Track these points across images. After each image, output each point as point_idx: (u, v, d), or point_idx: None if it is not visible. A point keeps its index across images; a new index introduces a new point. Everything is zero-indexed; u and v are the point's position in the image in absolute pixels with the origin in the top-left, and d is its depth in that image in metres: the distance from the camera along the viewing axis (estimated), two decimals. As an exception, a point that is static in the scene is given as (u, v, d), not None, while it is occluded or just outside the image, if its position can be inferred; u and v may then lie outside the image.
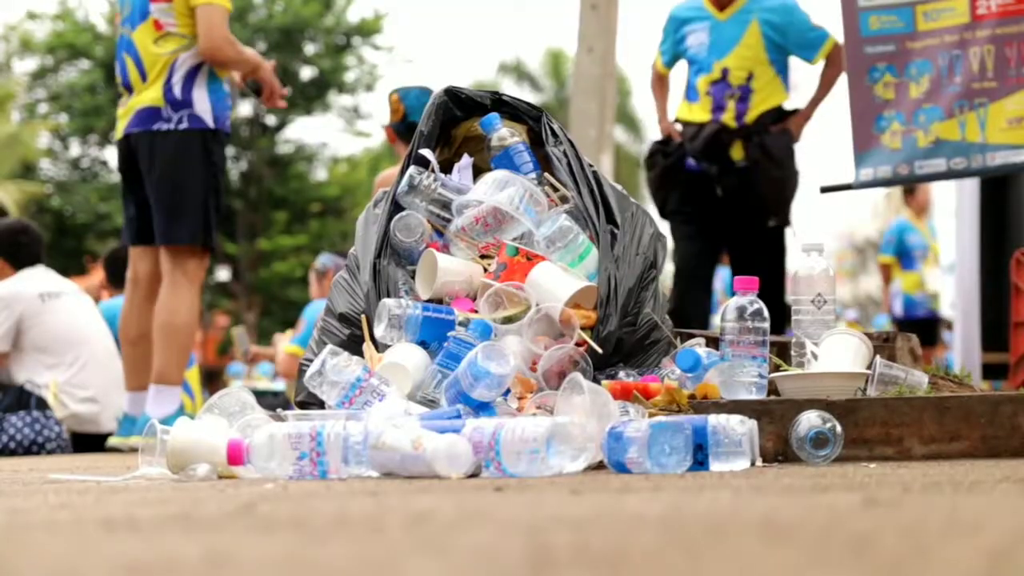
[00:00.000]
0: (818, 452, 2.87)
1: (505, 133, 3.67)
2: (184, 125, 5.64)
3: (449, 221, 3.58)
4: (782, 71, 6.25)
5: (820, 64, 6.24)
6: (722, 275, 11.59)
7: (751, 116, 6.15)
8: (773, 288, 6.01)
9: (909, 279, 10.31)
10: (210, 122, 5.67)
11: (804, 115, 6.28)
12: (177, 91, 5.64)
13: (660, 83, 6.57)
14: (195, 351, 7.67)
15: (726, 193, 6.15)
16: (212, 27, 5.55)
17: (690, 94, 6.29)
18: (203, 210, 5.69)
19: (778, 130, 6.14)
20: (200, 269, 5.80)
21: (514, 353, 3.06)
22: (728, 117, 6.19)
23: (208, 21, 5.55)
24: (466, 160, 3.73)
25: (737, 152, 6.15)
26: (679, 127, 6.29)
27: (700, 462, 2.64)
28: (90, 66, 27.66)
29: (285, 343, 9.83)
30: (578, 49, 7.65)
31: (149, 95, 5.67)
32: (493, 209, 3.47)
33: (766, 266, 5.95)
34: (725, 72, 6.24)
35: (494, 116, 3.70)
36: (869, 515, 1.64)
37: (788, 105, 6.22)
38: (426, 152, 3.67)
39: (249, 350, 9.98)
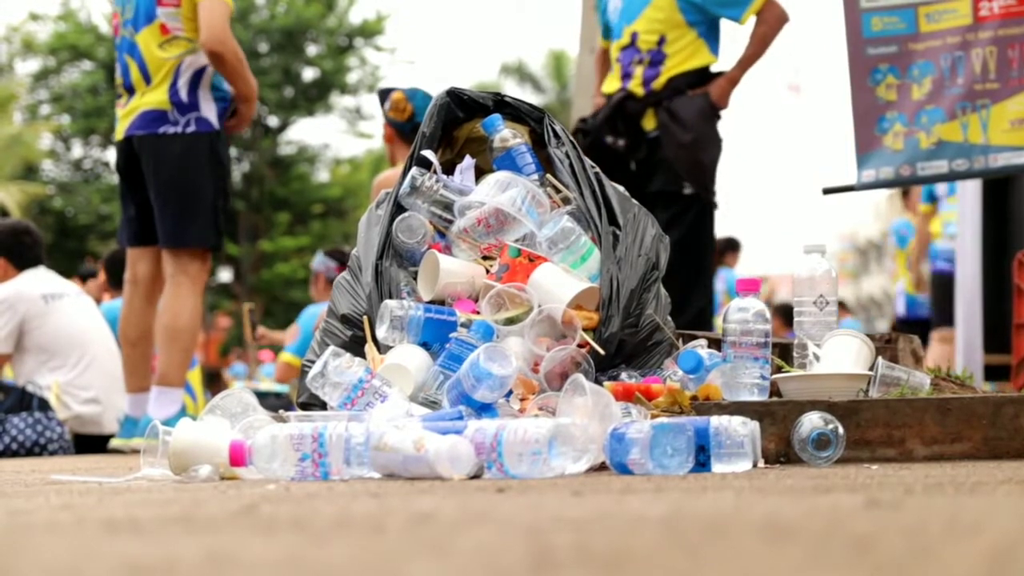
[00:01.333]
0: (820, 453, 2.87)
1: (507, 134, 3.67)
2: (192, 128, 5.64)
3: (451, 222, 3.58)
4: (707, 33, 5.78)
5: (751, 23, 5.76)
6: (723, 276, 11.59)
7: (660, 82, 5.72)
8: (692, 270, 5.68)
9: (911, 279, 10.31)
10: (216, 123, 5.68)
11: (729, 78, 5.78)
12: (183, 94, 5.64)
13: (601, 57, 6.20)
14: (197, 352, 7.68)
15: (639, 166, 5.76)
16: (213, 19, 5.54)
17: (612, 64, 5.93)
18: (212, 212, 5.70)
19: (695, 94, 5.69)
20: (203, 271, 5.80)
21: (516, 354, 3.06)
22: (635, 84, 5.78)
23: (209, 14, 5.55)
24: (468, 161, 3.73)
25: (649, 122, 5.75)
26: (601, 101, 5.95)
27: (702, 463, 2.64)
28: (92, 67, 27.69)
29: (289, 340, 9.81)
30: (580, 50, 7.66)
31: (154, 98, 5.67)
32: (495, 210, 3.47)
33: (682, 241, 5.47)
34: (634, 37, 5.83)
35: (496, 117, 3.70)
36: (871, 516, 1.64)
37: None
38: (428, 153, 3.68)
39: (258, 329, 9.89)
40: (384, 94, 5.98)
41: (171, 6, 5.64)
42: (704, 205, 5.74)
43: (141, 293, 5.88)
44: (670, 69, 5.73)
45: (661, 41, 5.76)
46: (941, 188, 9.09)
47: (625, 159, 5.74)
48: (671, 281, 3.99)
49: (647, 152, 5.72)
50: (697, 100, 5.69)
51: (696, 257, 5.73)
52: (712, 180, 5.76)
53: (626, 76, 5.82)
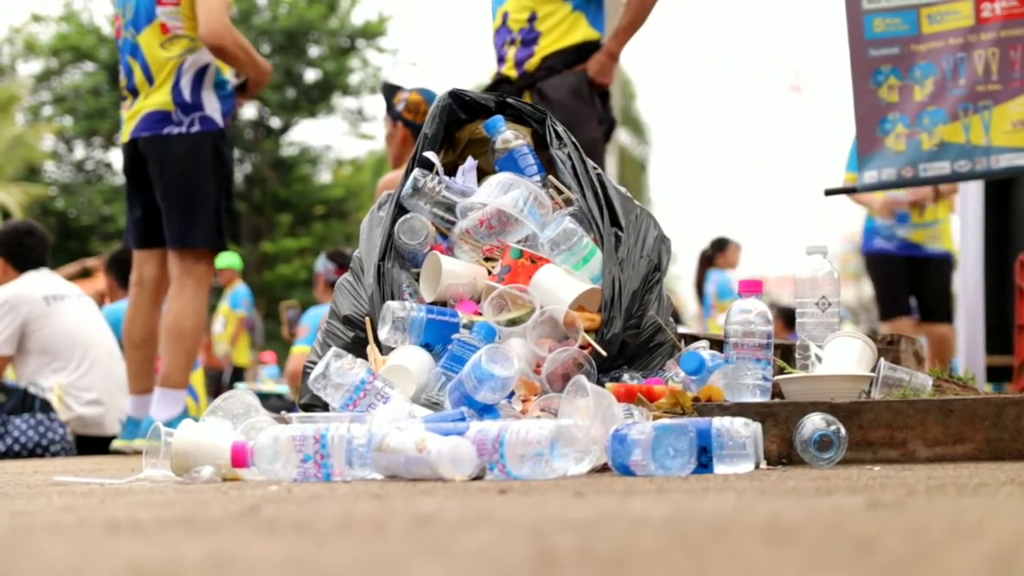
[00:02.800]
0: (822, 455, 2.86)
1: (509, 135, 3.67)
2: (196, 128, 5.65)
3: (453, 223, 3.58)
4: (584, 5, 5.46)
5: None
6: (714, 278, 11.63)
7: (533, 63, 5.40)
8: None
9: None
10: (220, 120, 5.69)
11: (607, 51, 5.43)
12: (186, 94, 5.64)
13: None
14: (200, 354, 7.68)
15: None
16: (210, 13, 5.53)
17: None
18: (216, 213, 5.71)
19: (572, 72, 5.35)
20: (208, 273, 5.81)
21: (518, 356, 3.06)
22: (508, 67, 5.47)
23: (206, 8, 5.54)
24: (470, 163, 3.73)
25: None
26: None
27: (704, 464, 2.63)
28: (94, 68, 27.71)
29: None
30: (582, 51, 7.62)
31: (157, 99, 5.67)
32: (497, 212, 3.47)
33: None
34: (505, 17, 5.52)
35: (498, 118, 3.70)
36: (873, 518, 1.64)
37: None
38: (430, 155, 3.68)
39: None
40: (390, 90, 5.94)
41: (170, 5, 5.64)
42: None
43: (147, 295, 5.88)
44: (544, 48, 5.42)
45: (532, 18, 5.45)
46: None
47: None
48: None
49: None
50: (569, 78, 5.37)
51: None
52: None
53: (500, 60, 5.55)
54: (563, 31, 5.41)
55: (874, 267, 7.95)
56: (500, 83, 5.45)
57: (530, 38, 5.42)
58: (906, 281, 7.76)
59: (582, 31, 5.45)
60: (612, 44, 5.44)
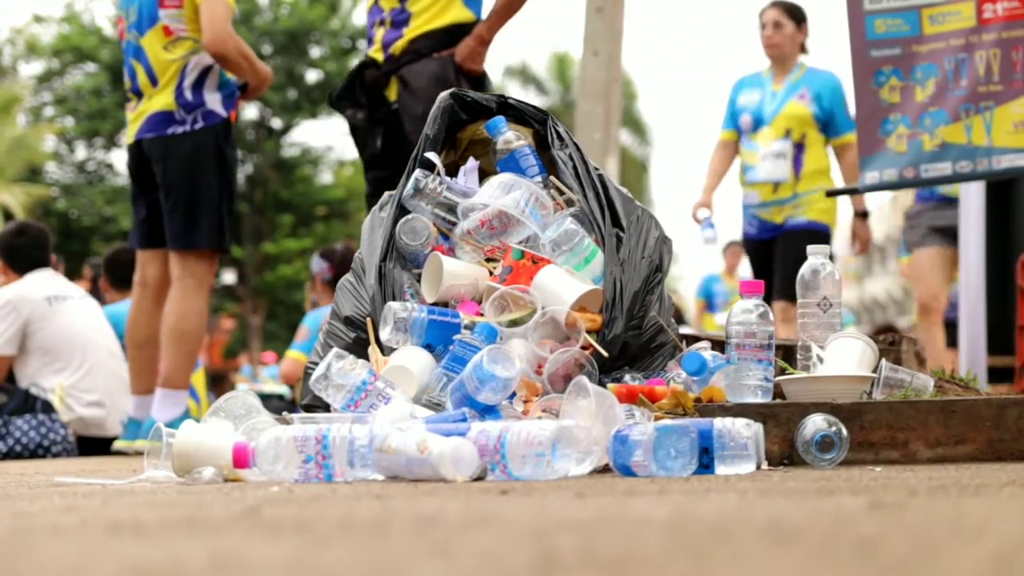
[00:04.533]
0: (824, 455, 2.86)
1: (511, 136, 3.67)
2: (200, 124, 5.66)
3: (455, 224, 3.58)
4: None
5: None
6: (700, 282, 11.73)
7: (399, 45, 5.08)
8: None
9: None
10: (223, 111, 5.69)
11: (476, 35, 5.08)
12: (189, 95, 5.66)
13: None
14: (201, 354, 7.68)
15: (384, 142, 5.11)
16: (214, 21, 5.56)
17: None
18: (218, 214, 5.71)
19: (441, 56, 5.05)
20: (210, 274, 5.82)
21: (519, 356, 3.06)
22: (375, 50, 5.17)
23: (210, 15, 5.57)
24: (471, 163, 3.73)
25: (392, 91, 5.10)
26: None
27: (705, 465, 2.63)
28: (96, 69, 27.71)
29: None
30: (583, 52, 7.64)
31: (161, 100, 5.68)
32: (499, 212, 3.47)
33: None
34: None
35: (500, 119, 3.70)
36: (875, 518, 1.64)
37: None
38: (432, 155, 3.68)
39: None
40: None
41: (173, 8, 5.66)
42: None
43: (150, 296, 5.88)
44: (413, 30, 5.10)
45: None
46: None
47: (375, 134, 5.18)
48: None
49: (390, 126, 5.09)
50: (432, 64, 5.04)
51: None
52: None
53: (369, 41, 5.26)
54: (435, 12, 5.10)
55: (747, 253, 7.22)
56: (366, 67, 5.16)
57: (400, 19, 5.12)
58: (770, 269, 6.82)
59: (454, 12, 5.12)
60: (483, 28, 5.08)
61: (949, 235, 6.77)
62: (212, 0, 5.57)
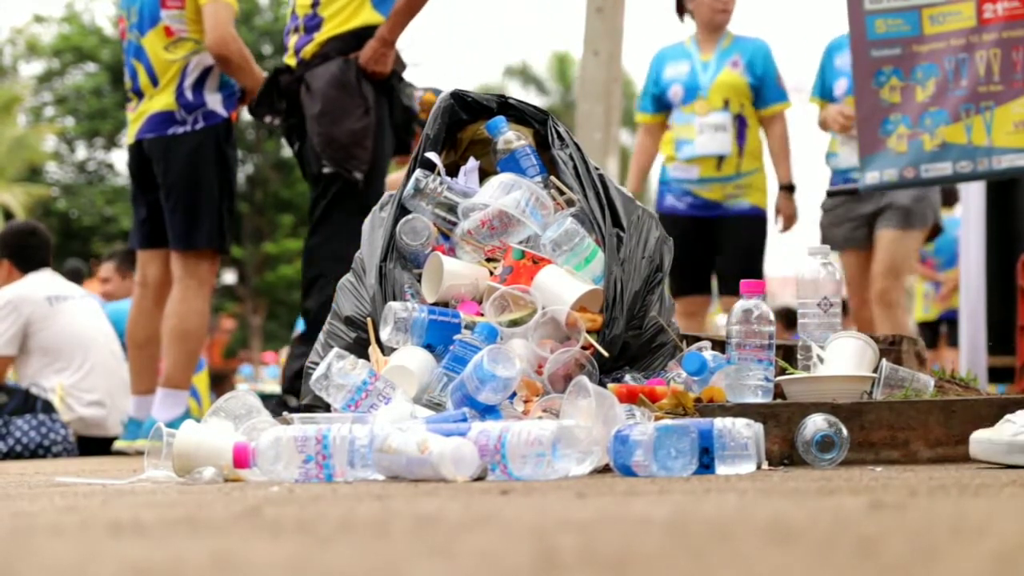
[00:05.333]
0: (824, 455, 2.86)
1: (511, 136, 3.67)
2: (200, 124, 5.67)
3: (455, 224, 3.58)
4: None
5: None
6: None
7: (309, 50, 5.13)
8: (321, 256, 5.06)
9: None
10: (223, 111, 5.70)
11: (379, 37, 5.05)
12: (189, 95, 5.66)
13: None
14: (203, 354, 7.68)
15: (301, 146, 5.20)
16: (218, 23, 5.58)
17: None
18: (218, 214, 5.72)
19: (339, 60, 5.05)
20: (211, 274, 5.82)
21: (520, 356, 3.06)
22: (290, 55, 5.24)
23: (214, 18, 5.58)
24: (472, 163, 3.73)
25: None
26: None
27: (706, 465, 2.63)
28: (96, 69, 27.72)
29: None
30: (584, 52, 7.64)
31: (162, 100, 5.69)
32: (499, 213, 3.47)
33: (319, 224, 5.05)
34: (293, 3, 5.33)
35: (500, 119, 3.70)
36: (875, 518, 1.64)
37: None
38: (432, 156, 3.68)
39: None
40: None
41: (175, 8, 5.66)
42: (346, 184, 5.05)
43: (151, 296, 5.89)
44: (324, 34, 5.12)
45: (315, 3, 5.17)
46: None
47: (293, 141, 5.24)
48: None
49: (305, 131, 5.14)
50: (331, 66, 5.05)
51: (340, 240, 4.92)
52: (353, 156, 5.02)
53: (286, 48, 5.34)
54: (345, 16, 5.11)
55: (666, 227, 6.47)
56: (280, 72, 5.19)
57: (312, 24, 5.14)
58: (703, 249, 6.34)
59: (364, 15, 5.12)
60: (384, 30, 5.05)
61: (863, 229, 6.46)
62: (216, 2, 5.58)
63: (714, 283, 6.70)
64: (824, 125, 6.46)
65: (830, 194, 6.21)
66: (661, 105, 6.53)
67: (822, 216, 6.65)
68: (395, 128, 5.17)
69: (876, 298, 6.33)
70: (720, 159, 6.31)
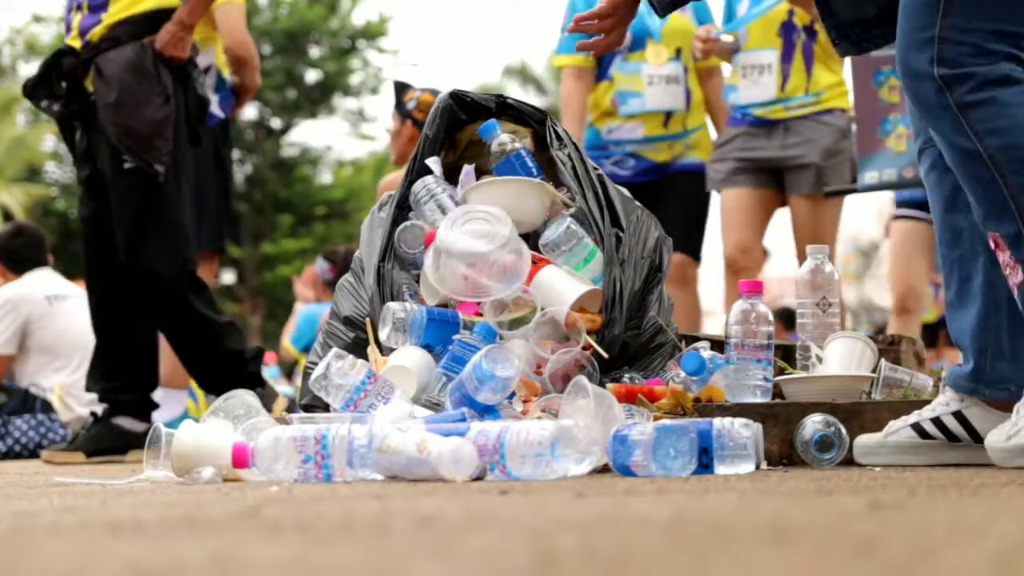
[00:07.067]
0: (823, 455, 2.87)
1: (505, 139, 3.66)
2: None
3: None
4: None
5: None
6: None
7: (98, 32, 4.78)
8: (153, 255, 4.77)
9: None
10: (220, 112, 5.70)
11: (176, 20, 4.75)
12: None
13: None
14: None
15: (86, 137, 4.87)
16: (234, 25, 5.59)
17: None
18: (217, 214, 5.72)
19: (134, 44, 4.74)
20: (210, 274, 5.83)
21: (519, 356, 3.06)
22: (73, 37, 4.85)
23: (229, 20, 5.59)
24: (467, 169, 3.71)
25: (91, 81, 4.79)
26: None
27: (705, 465, 2.63)
28: (95, 69, 27.64)
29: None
30: (583, 52, 7.61)
31: None
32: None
33: (127, 215, 4.75)
34: None
35: (493, 123, 3.68)
36: (874, 518, 1.64)
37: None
38: (432, 162, 3.66)
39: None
40: (401, 87, 5.96)
41: None
42: (147, 177, 4.74)
43: None
44: (112, 16, 4.77)
45: None
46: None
47: (75, 127, 4.91)
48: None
49: (91, 118, 4.81)
50: (126, 50, 4.72)
51: (144, 238, 4.78)
52: (153, 147, 4.71)
53: (67, 28, 4.93)
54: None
55: None
56: (64, 54, 4.83)
57: (97, 3, 4.80)
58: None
59: None
60: (183, 13, 4.76)
61: (762, 171, 5.50)
62: (230, 3, 5.58)
63: None
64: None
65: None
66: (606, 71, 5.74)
67: (712, 154, 5.66)
68: (188, 119, 4.87)
69: None
70: (668, 115, 5.62)
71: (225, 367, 4.84)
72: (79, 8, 4.83)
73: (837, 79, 5.50)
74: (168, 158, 4.71)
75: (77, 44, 4.80)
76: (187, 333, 4.86)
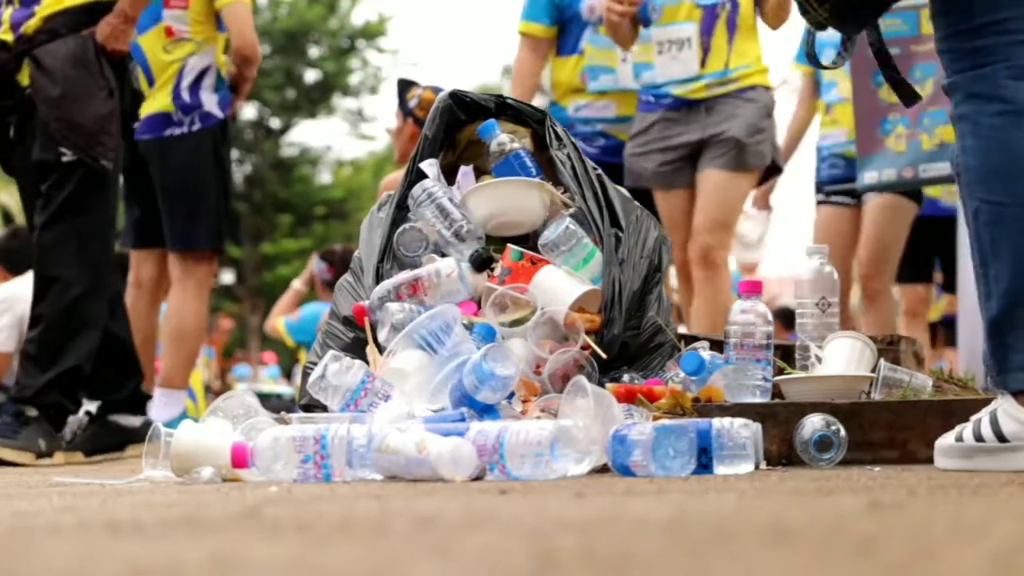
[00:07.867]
0: (822, 455, 2.87)
1: (504, 139, 3.66)
2: (197, 126, 5.65)
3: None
4: None
5: None
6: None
7: (32, 24, 4.63)
8: (75, 257, 4.63)
9: None
10: (220, 112, 5.69)
11: (118, 12, 4.64)
12: (186, 96, 5.65)
13: None
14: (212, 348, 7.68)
15: (18, 131, 4.72)
16: (243, 24, 5.60)
17: None
18: (216, 215, 5.72)
19: (75, 36, 4.60)
20: (210, 274, 5.83)
21: (519, 357, 3.06)
22: (4, 31, 4.70)
23: (238, 20, 5.59)
24: (465, 169, 3.71)
25: (25, 75, 4.64)
26: None
27: (704, 465, 2.63)
28: (95, 69, 27.64)
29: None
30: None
31: (158, 101, 5.68)
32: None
33: (61, 217, 4.62)
34: None
35: (491, 123, 3.68)
36: (874, 518, 1.64)
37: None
38: (429, 166, 3.66)
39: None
40: (404, 85, 5.96)
41: (179, 8, 5.64)
42: (92, 172, 4.61)
43: (145, 296, 5.89)
44: (46, 7, 4.64)
45: None
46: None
47: (8, 124, 4.75)
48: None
49: (25, 114, 4.66)
50: (67, 42, 4.59)
51: (81, 237, 4.66)
52: (99, 142, 4.59)
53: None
54: None
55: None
56: None
57: None
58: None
59: None
60: (125, 4, 4.64)
61: (690, 159, 5.10)
62: (237, 2, 5.58)
63: None
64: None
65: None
66: (560, 19, 5.48)
67: (629, 144, 5.25)
68: (123, 114, 4.76)
69: (697, 258, 5.01)
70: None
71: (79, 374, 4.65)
72: (9, 2, 4.71)
73: (757, 53, 5.10)
74: (114, 153, 4.62)
75: (9, 38, 4.67)
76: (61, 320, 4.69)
